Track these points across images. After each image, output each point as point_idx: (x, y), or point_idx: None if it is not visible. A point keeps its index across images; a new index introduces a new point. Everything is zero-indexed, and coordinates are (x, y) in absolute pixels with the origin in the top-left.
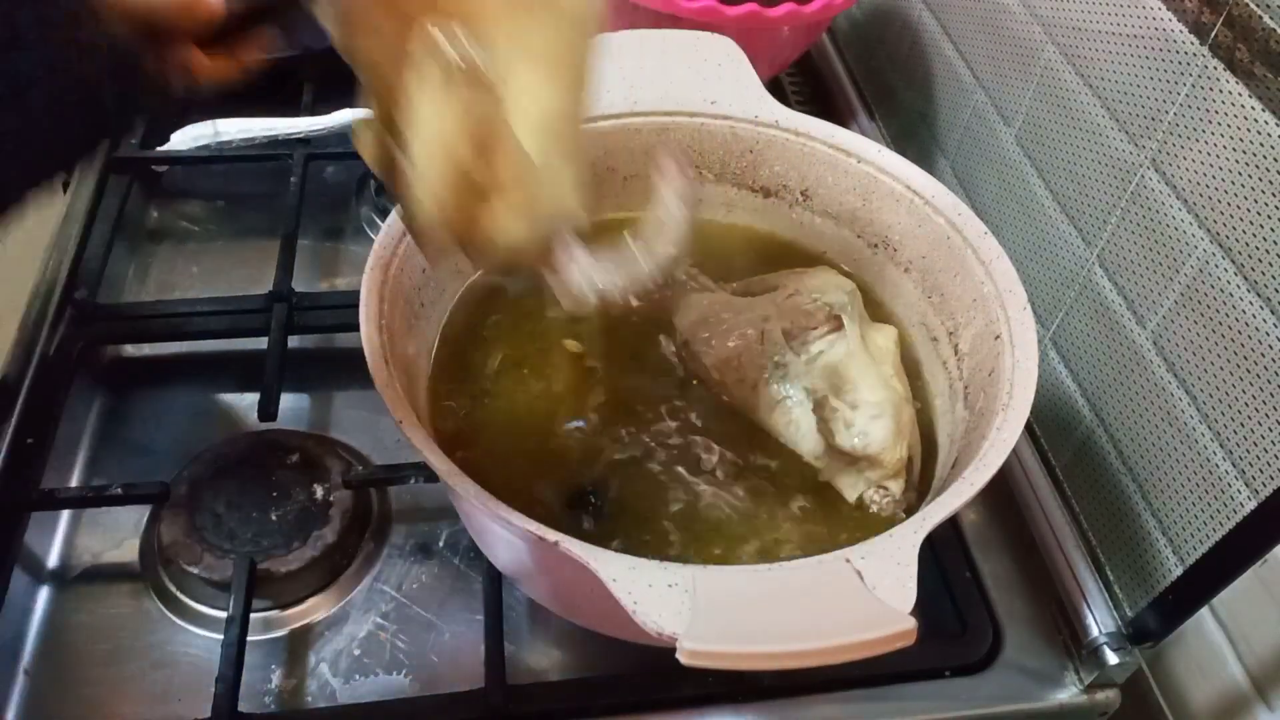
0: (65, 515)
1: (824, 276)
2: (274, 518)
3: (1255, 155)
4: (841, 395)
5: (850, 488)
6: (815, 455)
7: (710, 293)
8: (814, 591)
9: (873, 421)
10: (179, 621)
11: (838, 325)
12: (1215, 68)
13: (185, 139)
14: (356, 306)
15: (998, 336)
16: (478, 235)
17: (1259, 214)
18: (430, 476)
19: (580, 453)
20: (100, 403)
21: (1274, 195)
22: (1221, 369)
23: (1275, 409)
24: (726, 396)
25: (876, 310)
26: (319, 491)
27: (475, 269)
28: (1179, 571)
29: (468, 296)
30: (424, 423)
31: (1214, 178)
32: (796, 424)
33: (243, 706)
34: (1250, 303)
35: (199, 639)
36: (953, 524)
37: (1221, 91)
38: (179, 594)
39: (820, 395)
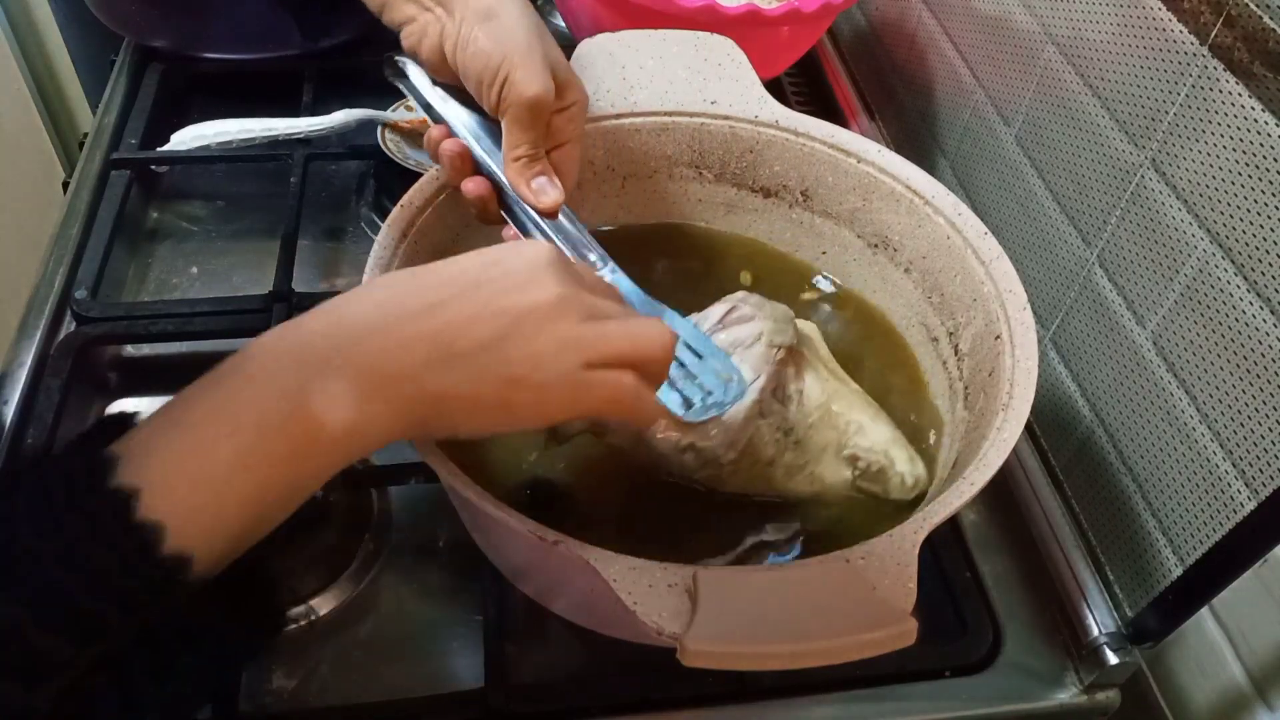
0: None
1: (745, 309)
2: None
3: (1255, 155)
4: (847, 440)
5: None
6: (838, 500)
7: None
8: (814, 591)
9: (910, 464)
10: None
11: (799, 359)
12: (1215, 68)
13: (185, 139)
14: None
15: (998, 336)
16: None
17: (1259, 214)
18: (430, 476)
19: (582, 453)
20: (100, 403)
21: (1274, 195)
22: (1221, 369)
23: (1275, 409)
24: (730, 486)
25: (875, 311)
26: (319, 491)
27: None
28: (1179, 571)
29: None
30: None
31: (1214, 178)
32: (820, 479)
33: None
34: (1250, 303)
35: None
36: (953, 524)
37: (1221, 91)
38: None
39: (851, 474)
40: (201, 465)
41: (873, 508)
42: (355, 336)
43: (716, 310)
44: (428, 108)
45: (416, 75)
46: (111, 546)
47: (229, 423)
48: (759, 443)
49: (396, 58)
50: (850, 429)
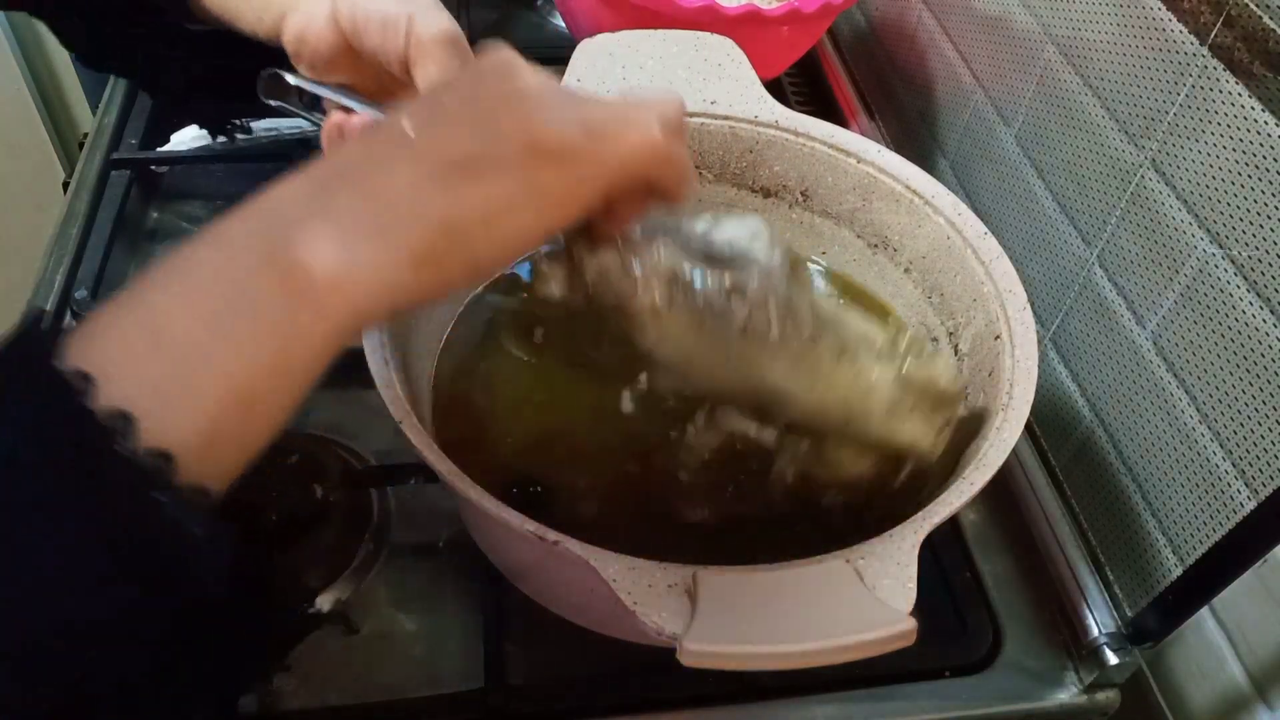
0: None
1: (730, 214)
2: (273, 518)
3: (1255, 155)
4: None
5: (924, 436)
6: (882, 415)
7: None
8: (814, 591)
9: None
10: None
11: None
12: (1215, 68)
13: (185, 139)
14: None
15: (998, 336)
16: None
17: (1259, 214)
18: (430, 476)
19: (585, 455)
20: None
21: (1274, 195)
22: (1221, 369)
23: (1275, 409)
24: (775, 373)
25: (874, 311)
26: (319, 491)
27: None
28: (1179, 571)
29: (471, 299)
30: (424, 423)
31: (1214, 178)
32: (865, 375)
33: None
34: (1250, 303)
35: None
36: (953, 524)
37: (1221, 91)
38: None
39: (897, 363)
40: (157, 337)
41: (874, 506)
42: (333, 184)
43: (702, 220)
44: (319, 101)
45: (299, 80)
46: (51, 418)
47: (192, 289)
48: (796, 310)
49: (273, 71)
50: (862, 331)
